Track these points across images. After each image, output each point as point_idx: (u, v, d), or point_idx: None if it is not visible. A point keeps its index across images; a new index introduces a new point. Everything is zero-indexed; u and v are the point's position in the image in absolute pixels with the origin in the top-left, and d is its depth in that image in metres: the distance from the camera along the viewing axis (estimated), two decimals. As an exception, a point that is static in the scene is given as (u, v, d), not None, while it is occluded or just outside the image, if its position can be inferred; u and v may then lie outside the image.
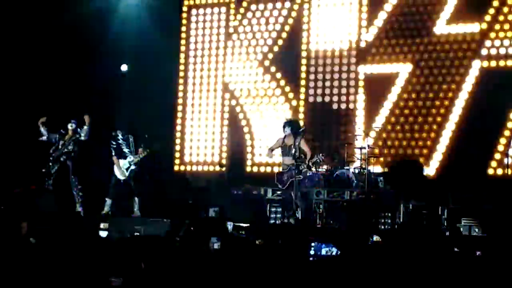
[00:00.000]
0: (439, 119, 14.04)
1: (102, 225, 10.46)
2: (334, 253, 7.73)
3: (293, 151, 11.84)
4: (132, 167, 12.63)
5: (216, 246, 6.88)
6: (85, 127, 12.68)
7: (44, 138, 12.93)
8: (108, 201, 12.74)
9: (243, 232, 10.16)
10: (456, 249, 6.97)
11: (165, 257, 6.10)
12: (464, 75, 13.93)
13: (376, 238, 9.65)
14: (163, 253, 5.73)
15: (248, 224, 11.00)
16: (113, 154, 12.73)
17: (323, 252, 7.96)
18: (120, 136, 12.74)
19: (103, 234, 7.70)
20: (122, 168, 12.61)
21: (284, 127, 12.31)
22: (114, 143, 12.74)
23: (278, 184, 12.17)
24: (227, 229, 8.80)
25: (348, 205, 12.46)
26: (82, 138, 12.70)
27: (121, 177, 12.70)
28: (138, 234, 9.68)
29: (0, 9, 15.03)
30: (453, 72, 14.08)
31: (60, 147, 12.87)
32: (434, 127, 14.05)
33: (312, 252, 7.29)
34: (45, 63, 15.22)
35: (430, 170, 13.85)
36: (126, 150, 12.66)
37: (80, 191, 12.84)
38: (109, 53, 15.46)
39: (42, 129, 12.86)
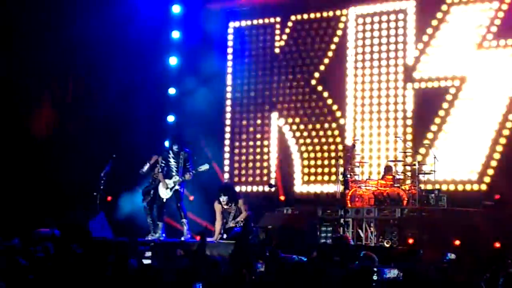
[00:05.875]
0: (491, 133, 13.77)
1: (147, 253, 10.40)
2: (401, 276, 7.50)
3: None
4: (177, 187, 12.56)
5: (261, 268, 6.82)
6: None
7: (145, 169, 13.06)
8: (160, 225, 12.69)
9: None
10: None
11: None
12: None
13: (451, 256, 9.41)
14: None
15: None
16: (160, 171, 12.71)
17: (389, 275, 7.76)
18: (171, 154, 12.62)
19: (146, 261, 7.65)
20: (166, 187, 12.54)
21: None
22: (163, 161, 12.71)
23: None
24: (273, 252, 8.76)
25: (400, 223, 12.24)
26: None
27: (164, 197, 12.64)
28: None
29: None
30: (504, 86, 13.81)
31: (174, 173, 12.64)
32: (486, 142, 13.78)
33: (375, 277, 7.05)
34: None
35: (483, 185, 13.64)
36: (174, 169, 12.58)
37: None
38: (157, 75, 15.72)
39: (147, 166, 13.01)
